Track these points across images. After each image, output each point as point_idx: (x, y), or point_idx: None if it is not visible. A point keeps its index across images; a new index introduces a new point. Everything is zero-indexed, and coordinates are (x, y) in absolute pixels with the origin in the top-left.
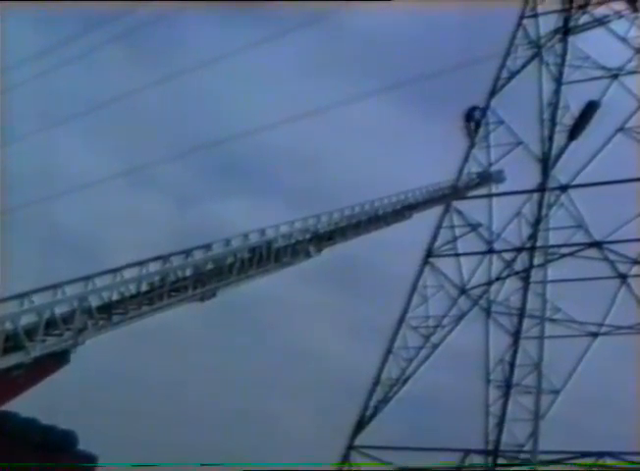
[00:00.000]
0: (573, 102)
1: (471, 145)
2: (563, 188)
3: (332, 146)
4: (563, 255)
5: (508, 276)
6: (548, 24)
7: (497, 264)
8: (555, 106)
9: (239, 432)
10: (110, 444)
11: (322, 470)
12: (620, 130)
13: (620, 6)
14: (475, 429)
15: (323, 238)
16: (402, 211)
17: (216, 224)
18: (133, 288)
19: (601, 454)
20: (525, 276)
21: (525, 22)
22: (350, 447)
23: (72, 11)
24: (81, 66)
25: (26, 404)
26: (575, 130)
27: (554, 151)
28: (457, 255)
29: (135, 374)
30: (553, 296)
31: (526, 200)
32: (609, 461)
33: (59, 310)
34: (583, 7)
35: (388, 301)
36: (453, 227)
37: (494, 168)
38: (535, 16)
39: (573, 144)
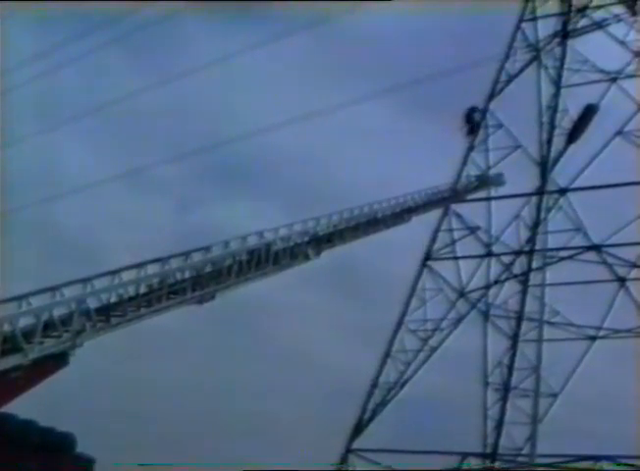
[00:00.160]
0: (572, 105)
1: (470, 148)
2: (562, 192)
3: (332, 149)
4: (562, 258)
5: (507, 279)
6: (547, 27)
7: (495, 267)
8: (553, 109)
9: (236, 434)
10: (108, 446)
11: None
12: (619, 133)
13: (619, 9)
14: (473, 432)
15: (322, 241)
16: (402, 214)
17: (216, 226)
18: (131, 291)
19: (599, 458)
20: (524, 279)
21: (524, 25)
22: (349, 451)
23: (70, 12)
24: (80, 68)
25: (25, 406)
26: (574, 134)
27: (552, 154)
28: (456, 258)
29: (134, 376)
30: (551, 300)
31: (525, 203)
32: (606, 465)
33: (57, 312)
34: (582, 10)
35: (386, 304)
36: (451, 230)
37: (493, 171)
38: (534, 19)
39: (572, 148)
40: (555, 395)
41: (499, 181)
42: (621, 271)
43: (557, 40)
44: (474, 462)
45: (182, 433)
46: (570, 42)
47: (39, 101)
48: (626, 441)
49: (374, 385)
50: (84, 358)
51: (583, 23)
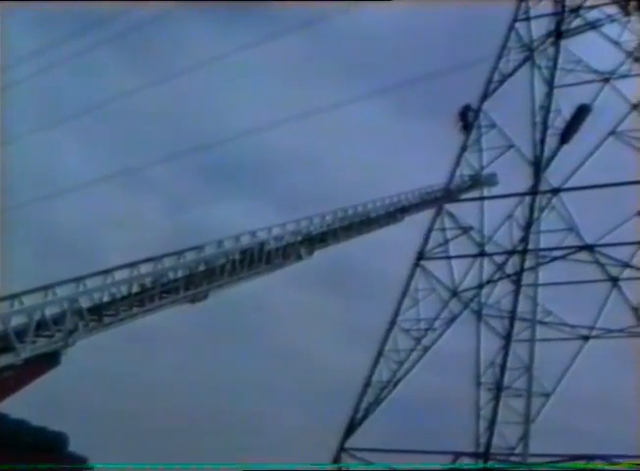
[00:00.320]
0: (565, 106)
1: (463, 148)
2: (555, 192)
3: (326, 148)
4: (555, 258)
5: (500, 279)
6: (540, 27)
7: (488, 267)
8: (546, 109)
9: (229, 433)
10: (101, 445)
11: None
12: (612, 133)
13: (613, 10)
14: (466, 431)
15: (315, 241)
16: (395, 214)
17: (209, 226)
18: (124, 290)
19: (592, 457)
20: (516, 279)
21: (518, 25)
22: (341, 450)
23: (67, 11)
24: (76, 67)
25: (17, 405)
26: (567, 134)
27: (545, 154)
28: (449, 258)
29: (127, 375)
30: (544, 299)
31: (518, 203)
32: (599, 464)
33: (50, 311)
34: (575, 10)
35: (379, 304)
36: (444, 229)
37: (486, 171)
38: (527, 19)
39: (565, 148)
40: (547, 395)
41: (492, 180)
42: (614, 271)
43: (550, 40)
44: (467, 462)
45: (175, 432)
46: (564, 42)
47: (34, 100)
48: (619, 440)
49: (367, 384)
50: (77, 357)
51: (577, 23)
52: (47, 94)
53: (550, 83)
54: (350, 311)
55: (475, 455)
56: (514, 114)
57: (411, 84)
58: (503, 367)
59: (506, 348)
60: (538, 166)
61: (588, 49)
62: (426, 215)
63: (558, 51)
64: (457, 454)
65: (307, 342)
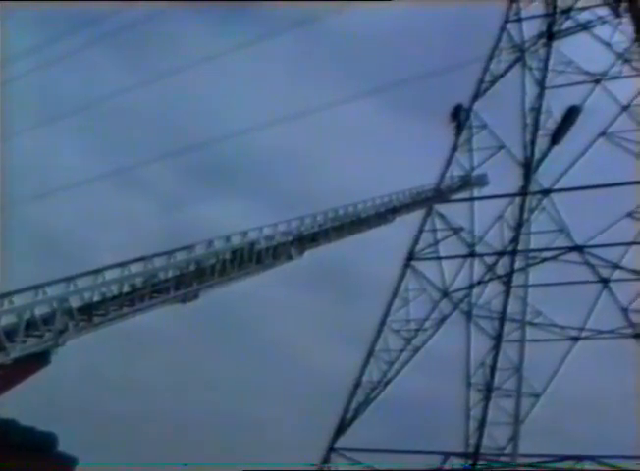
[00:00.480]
0: (556, 107)
1: (454, 148)
2: (545, 193)
3: (318, 148)
4: (545, 259)
5: (490, 279)
6: (531, 28)
7: (478, 268)
8: (537, 110)
9: (220, 433)
10: (90, 445)
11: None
12: (602, 134)
13: (604, 11)
14: (456, 432)
15: (306, 241)
16: (385, 214)
17: (202, 226)
18: (114, 290)
19: (580, 458)
20: (507, 279)
21: (509, 26)
22: (331, 450)
23: (61, 10)
24: (70, 65)
25: (6, 405)
26: (557, 135)
27: (536, 155)
28: (439, 258)
29: (117, 375)
30: (534, 300)
31: (508, 204)
32: (588, 465)
33: (39, 311)
34: (567, 12)
35: (370, 304)
36: (434, 230)
37: (477, 171)
38: (519, 20)
39: (555, 149)
40: (537, 396)
41: (482, 181)
42: (604, 272)
43: (541, 41)
44: (456, 462)
45: (164, 432)
46: (555, 43)
47: (27, 99)
48: (608, 441)
49: (357, 384)
50: (68, 357)
51: (568, 24)
52: (40, 93)
53: (541, 84)
54: (341, 311)
55: (465, 456)
56: (505, 115)
57: (404, 84)
58: (493, 368)
59: (496, 349)
60: (528, 167)
61: (579, 50)
62: (417, 215)
63: (549, 52)
64: (447, 455)
65: (298, 343)
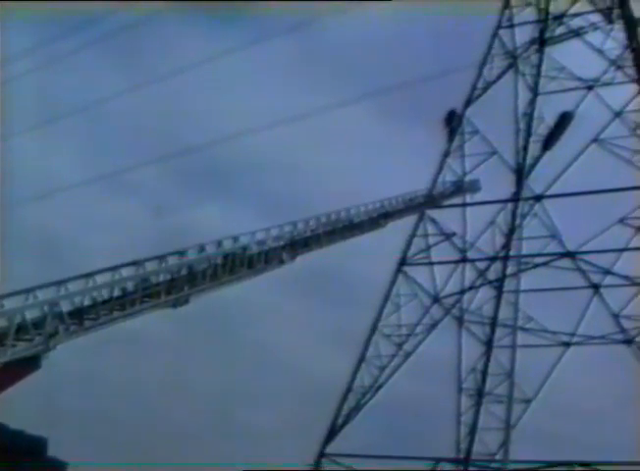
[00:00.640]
0: (548, 113)
1: (446, 154)
2: (537, 198)
3: (310, 153)
4: (537, 265)
5: (482, 285)
6: (524, 34)
7: (470, 273)
8: (530, 116)
9: (210, 438)
10: (80, 450)
11: None
12: (595, 140)
13: (596, 18)
14: (447, 437)
15: (298, 246)
16: (378, 219)
17: (192, 230)
18: (105, 294)
19: (571, 463)
20: (498, 285)
21: (501, 32)
22: (322, 455)
23: (54, 12)
24: (62, 68)
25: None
26: (549, 141)
27: (528, 161)
28: (431, 264)
29: (108, 380)
30: (525, 306)
31: (500, 210)
32: (580, 470)
33: (30, 315)
34: (559, 18)
35: (361, 309)
36: (426, 235)
37: (469, 177)
38: (511, 26)
39: (548, 155)
40: (528, 401)
41: (474, 187)
42: (595, 278)
43: (534, 47)
44: (447, 467)
45: (155, 436)
46: (547, 50)
47: (20, 102)
48: (600, 446)
49: (348, 389)
50: (58, 361)
51: (560, 30)
52: (34, 95)
53: (533, 90)
54: (332, 316)
55: (456, 461)
56: (498, 120)
57: (396, 90)
58: (484, 373)
59: (487, 354)
60: (521, 172)
61: (571, 57)
62: (409, 221)
63: (541, 58)
64: (438, 460)
65: (289, 348)
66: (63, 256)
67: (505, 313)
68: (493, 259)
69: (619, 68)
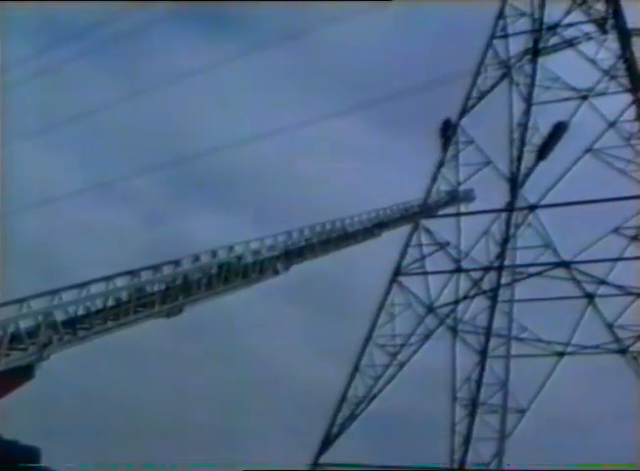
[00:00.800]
0: (542, 123)
1: (440, 164)
2: (532, 208)
3: (303, 163)
4: (531, 275)
5: (476, 295)
6: (518, 44)
7: (464, 283)
8: (524, 126)
9: (204, 449)
10: (73, 460)
11: None
12: (589, 150)
13: (590, 28)
14: (441, 447)
15: (292, 255)
16: (372, 229)
17: (184, 240)
18: (99, 303)
19: None
20: (492, 295)
21: (495, 42)
22: (316, 465)
23: (46, 22)
24: (51, 79)
25: None
26: (544, 151)
27: (522, 171)
28: (425, 274)
29: (101, 390)
30: (520, 315)
31: (494, 219)
32: None
33: (24, 324)
34: (553, 28)
35: (355, 319)
36: (421, 245)
37: (463, 187)
38: (505, 36)
39: (542, 164)
40: (523, 411)
41: (469, 196)
42: (590, 287)
43: (527, 57)
44: None
45: (147, 448)
46: (541, 60)
47: (12, 112)
48: (594, 456)
49: (342, 399)
50: (52, 371)
51: (554, 40)
52: (28, 105)
53: (527, 100)
54: (326, 326)
55: None
56: (492, 130)
57: (390, 99)
58: (478, 383)
59: (481, 364)
60: (515, 182)
61: (565, 67)
62: (403, 230)
63: (535, 68)
64: (433, 470)
65: (283, 357)
66: (57, 265)
67: (499, 323)
68: (487, 269)
69: (613, 78)
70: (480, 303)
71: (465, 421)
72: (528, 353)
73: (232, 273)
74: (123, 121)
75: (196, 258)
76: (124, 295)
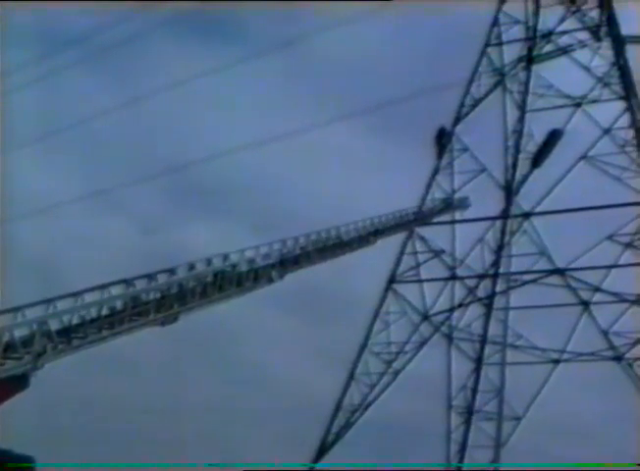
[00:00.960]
0: (537, 130)
1: (435, 171)
2: (526, 216)
3: (298, 172)
4: (526, 282)
5: (471, 302)
6: (512, 52)
7: (459, 290)
8: (518, 134)
9: (200, 457)
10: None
11: None
12: (583, 158)
13: (584, 35)
14: (437, 455)
15: (288, 263)
16: (367, 237)
17: (179, 248)
18: (94, 312)
19: None
20: (488, 302)
21: (490, 49)
22: None
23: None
24: (45, 87)
25: None
26: (538, 158)
27: (517, 178)
28: (420, 281)
29: (94, 398)
30: (515, 323)
31: (489, 227)
32: None
33: (18, 333)
34: (547, 36)
35: (350, 327)
36: (416, 253)
37: (458, 194)
38: (499, 44)
39: (536, 172)
40: (518, 419)
41: (464, 204)
42: (585, 294)
43: (522, 65)
44: None
45: (141, 458)
46: (535, 67)
47: (5, 120)
48: (589, 464)
49: (338, 407)
50: (48, 380)
51: (548, 48)
52: (16, 114)
53: (521, 108)
54: (322, 334)
55: None
56: (486, 138)
57: (385, 107)
58: (474, 390)
59: (476, 372)
60: (509, 190)
61: (559, 74)
62: (398, 238)
63: (529, 76)
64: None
65: (278, 365)
66: (53, 274)
67: (494, 330)
68: (482, 276)
69: (607, 85)
70: (475, 311)
71: (461, 428)
72: (523, 361)
73: (226, 281)
74: (120, 128)
75: (191, 266)
76: (118, 304)
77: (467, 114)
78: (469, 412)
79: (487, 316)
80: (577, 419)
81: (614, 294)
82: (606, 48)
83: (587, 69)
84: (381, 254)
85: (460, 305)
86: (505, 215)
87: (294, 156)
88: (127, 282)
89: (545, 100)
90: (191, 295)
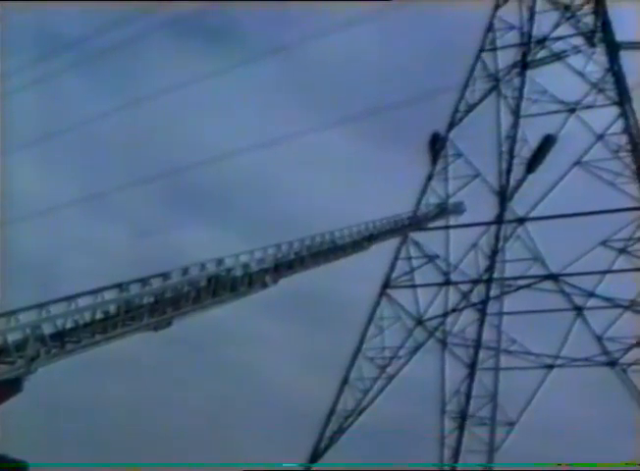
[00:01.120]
0: (531, 135)
1: (430, 176)
2: (520, 221)
3: (291, 177)
4: (520, 287)
5: (465, 307)
6: (506, 57)
7: (453, 295)
8: (512, 139)
9: (195, 459)
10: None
11: None
12: (577, 163)
13: (578, 41)
14: (430, 460)
15: (282, 268)
16: (362, 242)
17: (173, 252)
18: (87, 317)
19: None
20: (481, 307)
21: (484, 55)
22: None
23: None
24: (40, 91)
25: None
26: (532, 164)
27: (511, 184)
28: (414, 286)
29: (90, 402)
30: (508, 328)
31: (483, 232)
32: None
33: (12, 337)
34: (541, 42)
35: (344, 332)
36: (410, 258)
37: (452, 200)
38: (494, 49)
39: (530, 177)
40: (512, 424)
41: (458, 209)
42: (578, 300)
43: (516, 70)
44: None
45: (139, 457)
46: (530, 73)
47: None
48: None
49: (331, 412)
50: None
51: (542, 53)
52: (10, 119)
53: (516, 113)
54: (315, 339)
55: None
56: (481, 143)
57: (379, 113)
58: (467, 395)
59: (470, 377)
60: (504, 195)
61: (554, 80)
62: (392, 243)
63: (523, 81)
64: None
65: (272, 371)
66: (48, 277)
67: (488, 335)
68: (476, 281)
69: (601, 91)
70: (469, 316)
71: (454, 434)
72: (517, 366)
73: (220, 286)
74: (117, 131)
75: (185, 271)
76: (112, 308)
77: (462, 119)
78: (463, 417)
79: (481, 321)
80: (571, 424)
81: (608, 300)
82: (600, 54)
83: (581, 74)
84: (375, 259)
85: (454, 310)
86: (499, 220)
87: (290, 160)
88: (121, 286)
89: (539, 106)
90: (185, 300)
